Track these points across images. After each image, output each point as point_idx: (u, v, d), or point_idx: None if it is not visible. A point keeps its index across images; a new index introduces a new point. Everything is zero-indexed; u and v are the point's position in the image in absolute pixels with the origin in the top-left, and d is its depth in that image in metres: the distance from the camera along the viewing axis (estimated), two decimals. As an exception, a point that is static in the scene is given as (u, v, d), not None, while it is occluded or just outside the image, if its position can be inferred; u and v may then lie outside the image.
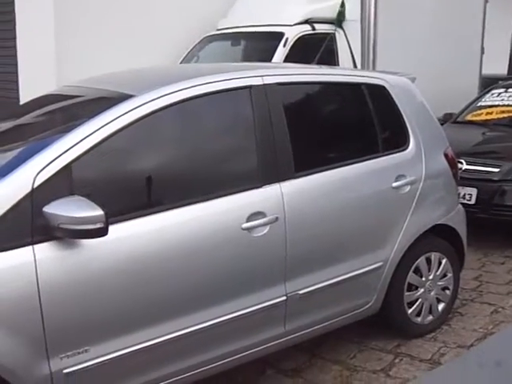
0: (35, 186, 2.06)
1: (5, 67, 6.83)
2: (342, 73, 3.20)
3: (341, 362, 3.05)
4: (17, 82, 6.37)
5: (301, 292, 2.66)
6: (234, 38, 6.26)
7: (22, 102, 5.76)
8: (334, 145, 3.01)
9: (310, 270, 2.70)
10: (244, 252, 2.49)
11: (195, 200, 2.38)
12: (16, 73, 6.39)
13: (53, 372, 2.08)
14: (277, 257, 2.58)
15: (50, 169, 2.10)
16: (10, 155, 2.33)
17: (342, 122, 3.11)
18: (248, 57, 6.01)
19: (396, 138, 3.17)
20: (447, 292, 3.37)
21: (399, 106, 3.16)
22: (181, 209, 2.34)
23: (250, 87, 2.59)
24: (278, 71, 2.90)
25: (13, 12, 6.35)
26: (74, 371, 2.11)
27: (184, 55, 6.37)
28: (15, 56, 6.38)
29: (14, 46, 6.38)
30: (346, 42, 6.01)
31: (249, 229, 2.47)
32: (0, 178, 2.07)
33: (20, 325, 2.01)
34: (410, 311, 3.20)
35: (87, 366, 2.14)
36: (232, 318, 2.46)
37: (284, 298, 2.62)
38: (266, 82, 2.64)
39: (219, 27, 6.47)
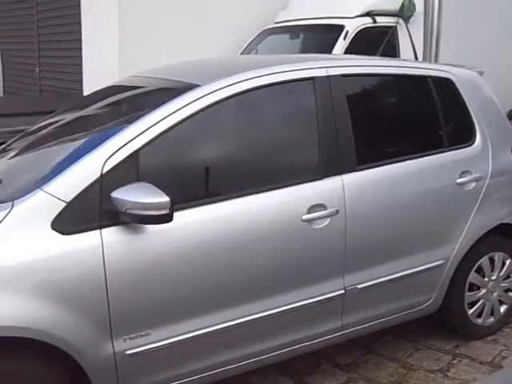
0: (104, 172, 2.12)
1: (70, 59, 7.08)
2: (408, 65, 3.13)
3: (397, 360, 3.00)
4: (81, 74, 6.59)
5: (359, 286, 2.64)
6: (293, 30, 6.22)
7: (85, 94, 5.95)
8: (396, 138, 2.95)
9: (370, 265, 2.67)
10: (303, 243, 2.48)
11: (257, 190, 2.39)
12: (80, 65, 6.61)
13: (116, 352, 2.14)
14: (336, 249, 2.56)
15: (118, 156, 2.16)
16: (80, 143, 2.40)
17: (406, 116, 3.04)
18: (307, 50, 5.95)
19: (462, 133, 3.08)
20: (510, 294, 3.26)
21: (466, 99, 3.07)
22: (243, 198, 2.35)
23: (313, 78, 2.58)
24: (343, 63, 2.87)
25: (78, 6, 6.57)
26: (135, 353, 2.17)
27: (243, 48, 6.39)
28: (80, 49, 6.60)
29: (79, 39, 6.59)
30: (407, 35, 5.87)
31: (309, 220, 2.46)
32: (71, 164, 2.15)
33: (87, 306, 2.08)
34: (470, 312, 3.11)
35: (148, 349, 2.19)
36: (289, 309, 2.47)
37: (342, 291, 2.60)
38: (330, 74, 2.62)
39: (278, 20, 6.45)
